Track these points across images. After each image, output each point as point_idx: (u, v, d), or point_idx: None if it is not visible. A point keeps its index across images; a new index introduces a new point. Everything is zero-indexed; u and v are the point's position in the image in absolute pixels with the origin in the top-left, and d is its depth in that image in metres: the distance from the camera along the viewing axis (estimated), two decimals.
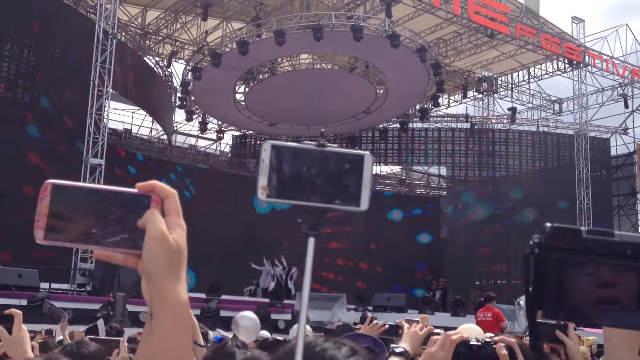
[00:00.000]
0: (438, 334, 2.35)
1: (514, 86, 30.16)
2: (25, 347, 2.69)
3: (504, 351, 1.91)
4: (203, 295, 17.96)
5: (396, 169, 33.75)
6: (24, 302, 12.93)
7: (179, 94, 26.71)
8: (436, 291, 23.67)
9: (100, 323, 9.60)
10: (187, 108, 26.83)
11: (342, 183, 1.07)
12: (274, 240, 25.86)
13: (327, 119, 27.80)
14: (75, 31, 20.74)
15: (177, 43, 26.64)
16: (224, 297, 18.85)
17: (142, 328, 4.39)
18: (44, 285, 16.01)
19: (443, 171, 31.68)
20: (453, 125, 30.59)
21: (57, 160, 19.48)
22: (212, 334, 7.66)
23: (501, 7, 23.92)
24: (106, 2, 20.06)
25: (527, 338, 2.66)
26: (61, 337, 7.86)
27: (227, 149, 31.98)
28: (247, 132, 30.63)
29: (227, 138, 31.39)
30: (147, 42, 26.53)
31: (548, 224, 0.82)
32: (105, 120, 19.90)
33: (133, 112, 29.43)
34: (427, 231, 30.59)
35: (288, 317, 17.51)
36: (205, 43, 23.97)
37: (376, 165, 29.59)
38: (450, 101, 31.21)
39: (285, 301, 19.70)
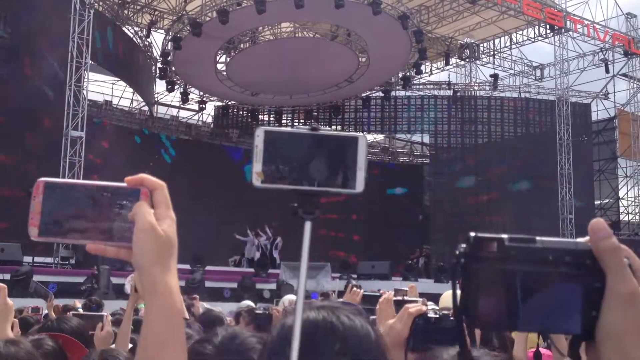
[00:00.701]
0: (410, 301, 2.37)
1: (496, 52, 30.11)
2: (6, 323, 2.59)
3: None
4: (187, 267, 17.91)
5: (379, 137, 33.71)
6: (7, 277, 12.89)
7: (159, 65, 26.34)
8: (419, 258, 23.90)
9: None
10: (168, 79, 26.51)
11: (337, 166, 1.08)
12: (262, 210, 25.73)
13: (310, 88, 27.63)
14: (51, 1, 20.33)
15: (156, 12, 26.19)
16: (208, 267, 18.88)
17: (126, 300, 4.39)
18: (27, 259, 15.94)
19: (426, 139, 31.70)
20: (436, 92, 30.55)
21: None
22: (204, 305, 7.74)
23: None
24: None
25: None
26: (46, 312, 7.89)
27: (210, 120, 31.78)
28: (230, 103, 30.38)
29: (210, 108, 31.17)
30: (126, 11, 26.06)
31: (472, 234, 0.83)
32: (84, 92, 19.65)
33: (113, 84, 29.08)
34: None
35: (273, 286, 17.64)
36: (184, 12, 23.58)
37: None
38: (433, 68, 31.07)
39: (270, 270, 19.81)
